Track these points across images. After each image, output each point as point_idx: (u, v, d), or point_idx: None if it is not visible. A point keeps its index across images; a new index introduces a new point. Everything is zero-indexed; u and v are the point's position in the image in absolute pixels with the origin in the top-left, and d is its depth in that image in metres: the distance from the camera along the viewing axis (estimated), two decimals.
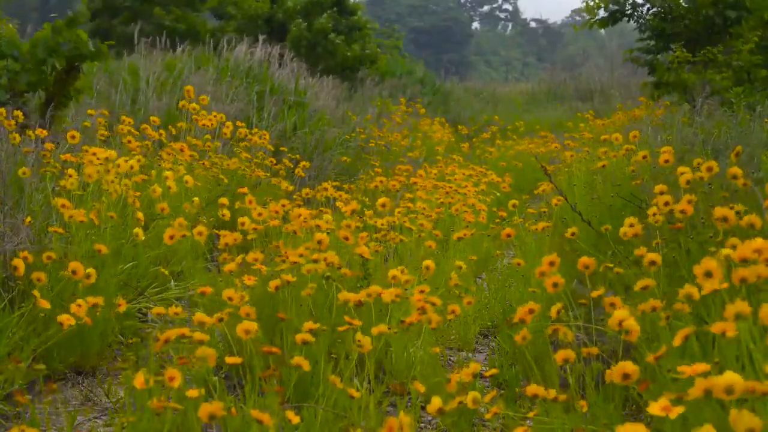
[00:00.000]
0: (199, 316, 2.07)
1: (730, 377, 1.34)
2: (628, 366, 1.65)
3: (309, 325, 2.10)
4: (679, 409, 1.44)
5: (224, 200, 4.07)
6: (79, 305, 2.33)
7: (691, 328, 1.67)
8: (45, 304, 2.48)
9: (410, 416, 1.57)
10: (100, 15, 14.83)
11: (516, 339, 2.06)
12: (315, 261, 2.85)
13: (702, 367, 1.44)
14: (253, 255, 2.82)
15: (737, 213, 2.32)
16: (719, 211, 2.27)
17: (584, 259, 2.34)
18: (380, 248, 3.64)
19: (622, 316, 1.90)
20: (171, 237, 3.20)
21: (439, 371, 2.86)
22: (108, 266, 3.28)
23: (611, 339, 2.51)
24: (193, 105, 5.80)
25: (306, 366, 1.89)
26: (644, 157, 3.86)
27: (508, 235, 3.72)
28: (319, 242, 2.94)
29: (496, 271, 4.38)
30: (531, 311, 2.06)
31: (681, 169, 3.03)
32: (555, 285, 2.24)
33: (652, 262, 2.27)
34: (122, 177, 3.78)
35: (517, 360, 3.17)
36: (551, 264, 2.26)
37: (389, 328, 2.34)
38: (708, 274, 1.84)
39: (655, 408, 1.46)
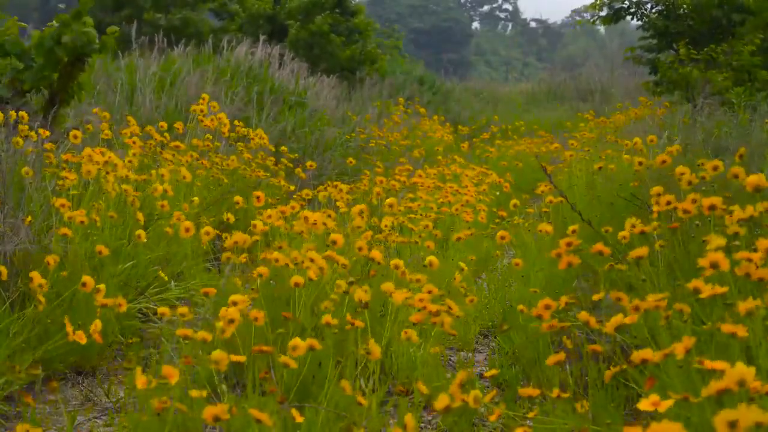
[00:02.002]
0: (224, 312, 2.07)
1: (742, 370, 1.32)
2: (647, 353, 1.65)
3: (327, 318, 2.10)
4: (668, 403, 1.45)
5: (239, 198, 4.06)
6: (96, 326, 2.33)
7: (693, 339, 1.67)
8: (68, 326, 2.47)
9: (414, 418, 1.57)
10: (104, 10, 14.80)
11: (543, 327, 2.05)
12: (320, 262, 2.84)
13: (721, 364, 1.44)
14: (272, 255, 2.82)
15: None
16: (707, 201, 2.27)
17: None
18: (381, 248, 3.63)
19: (619, 320, 1.90)
20: (187, 230, 3.20)
21: (441, 372, 2.86)
22: (108, 266, 3.28)
23: (612, 339, 2.51)
24: (195, 107, 5.80)
25: (293, 364, 1.90)
26: (664, 162, 3.85)
27: (502, 238, 3.72)
28: (334, 242, 2.94)
29: (496, 271, 4.37)
30: (548, 307, 2.06)
31: (680, 169, 3.03)
32: (570, 264, 2.24)
33: (639, 258, 2.27)
34: (122, 178, 3.77)
35: (518, 360, 3.17)
36: (569, 245, 2.27)
37: (402, 329, 2.34)
38: (714, 265, 1.84)
39: (645, 404, 1.47)
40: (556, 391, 1.84)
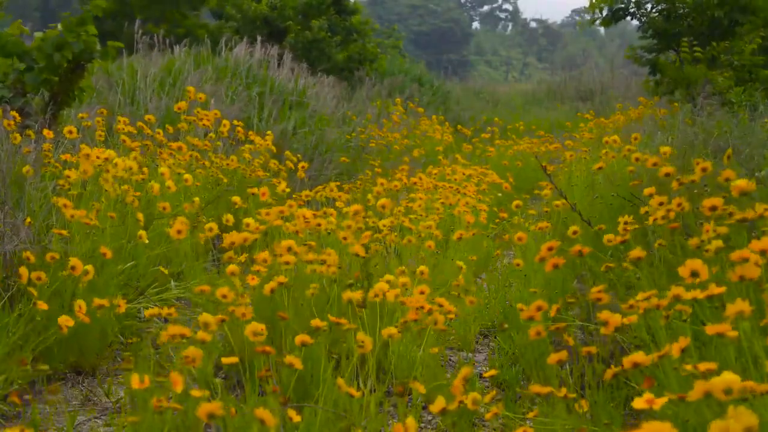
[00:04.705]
0: (204, 317, 2.07)
1: (728, 377, 1.34)
2: (639, 356, 1.66)
3: (316, 322, 2.10)
4: (663, 400, 1.46)
5: (236, 198, 4.07)
6: (80, 307, 2.32)
7: (689, 339, 1.67)
8: (43, 306, 2.47)
9: (412, 417, 1.57)
10: (109, 15, 14.79)
11: (530, 334, 2.05)
12: (316, 262, 2.85)
13: (707, 366, 1.44)
14: (261, 255, 2.82)
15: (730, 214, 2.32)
16: (708, 201, 2.28)
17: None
18: (380, 248, 3.63)
19: (616, 321, 1.90)
20: (179, 231, 3.20)
21: (440, 372, 2.86)
22: (108, 266, 3.28)
23: (610, 339, 2.51)
24: (183, 104, 5.80)
25: (299, 364, 1.89)
26: (636, 159, 3.89)
27: (519, 239, 3.69)
28: (290, 248, 2.91)
29: (496, 271, 4.37)
30: (539, 308, 2.06)
31: (664, 169, 3.05)
32: (556, 266, 2.24)
33: (638, 258, 2.27)
34: (121, 177, 3.77)
35: (517, 360, 3.17)
36: (550, 249, 2.27)
37: (396, 327, 2.34)
38: (694, 274, 1.85)
39: (639, 402, 1.48)
40: (564, 390, 1.84)
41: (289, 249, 2.80)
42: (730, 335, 1.55)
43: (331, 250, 2.94)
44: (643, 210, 2.92)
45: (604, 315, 1.96)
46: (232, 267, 2.75)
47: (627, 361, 1.67)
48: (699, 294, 1.79)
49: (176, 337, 1.85)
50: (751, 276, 1.73)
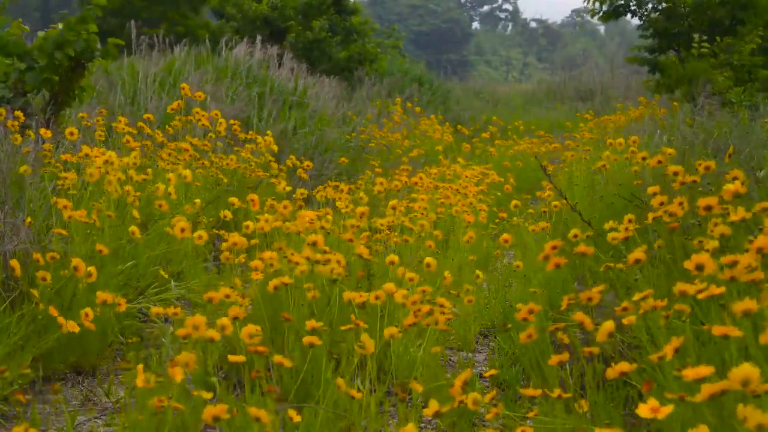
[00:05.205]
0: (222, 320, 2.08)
1: (748, 369, 1.31)
2: (625, 365, 1.66)
3: (311, 323, 2.10)
4: (668, 409, 1.41)
5: (234, 199, 4.06)
6: (86, 314, 2.32)
7: (682, 338, 1.66)
8: (53, 312, 2.47)
9: (412, 418, 1.57)
10: (110, 15, 14.77)
11: (521, 337, 2.05)
12: (318, 262, 2.85)
13: (706, 370, 1.42)
14: (268, 254, 2.82)
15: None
16: (703, 201, 2.27)
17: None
18: (380, 248, 3.64)
19: (610, 327, 1.89)
20: (183, 230, 3.21)
21: (440, 372, 2.86)
22: (107, 266, 3.28)
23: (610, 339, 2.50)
24: (177, 103, 5.81)
25: (288, 363, 1.90)
26: (643, 158, 3.88)
27: (505, 241, 3.71)
28: (314, 243, 2.93)
29: (496, 271, 4.37)
30: (531, 311, 2.06)
31: (672, 168, 3.04)
32: (557, 266, 2.24)
33: (637, 260, 2.26)
34: (123, 177, 3.78)
35: (517, 360, 3.17)
36: (554, 248, 2.26)
37: (396, 328, 2.34)
38: (699, 268, 1.84)
39: (644, 410, 1.43)
40: (557, 392, 1.84)
41: (314, 244, 2.82)
42: (734, 335, 1.54)
43: (336, 253, 2.94)
44: (626, 218, 2.91)
45: (578, 316, 1.95)
46: (255, 263, 2.76)
47: (614, 370, 1.66)
48: (701, 293, 1.79)
49: (188, 336, 1.87)
50: (745, 278, 1.73)
